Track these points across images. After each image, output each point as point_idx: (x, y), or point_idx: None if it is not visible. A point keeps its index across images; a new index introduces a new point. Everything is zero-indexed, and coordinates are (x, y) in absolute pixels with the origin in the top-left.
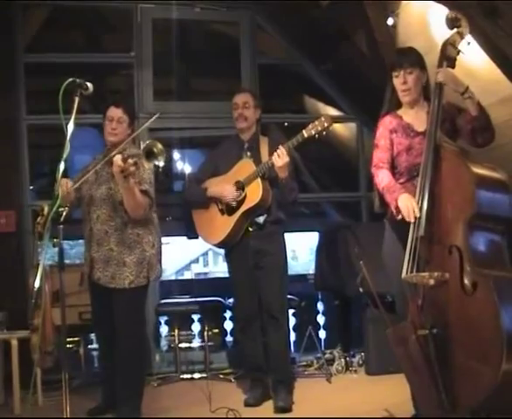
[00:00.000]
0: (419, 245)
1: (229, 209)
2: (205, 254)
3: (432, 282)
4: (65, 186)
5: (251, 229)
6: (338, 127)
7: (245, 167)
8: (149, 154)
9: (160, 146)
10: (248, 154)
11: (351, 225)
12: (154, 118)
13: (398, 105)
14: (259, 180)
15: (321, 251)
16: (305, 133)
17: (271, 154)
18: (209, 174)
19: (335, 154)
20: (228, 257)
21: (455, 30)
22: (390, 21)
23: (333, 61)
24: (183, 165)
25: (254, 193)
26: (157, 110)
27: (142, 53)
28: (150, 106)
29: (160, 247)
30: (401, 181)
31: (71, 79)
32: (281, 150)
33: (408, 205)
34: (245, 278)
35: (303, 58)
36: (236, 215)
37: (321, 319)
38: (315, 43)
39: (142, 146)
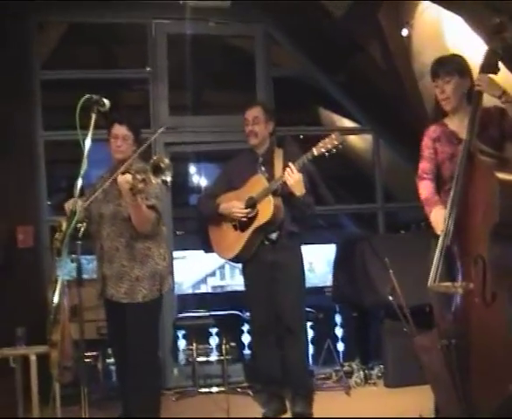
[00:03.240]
0: (447, 255)
1: (242, 225)
2: (222, 267)
3: (460, 291)
4: (78, 203)
5: (267, 243)
6: (354, 139)
7: (258, 183)
8: (157, 170)
9: (167, 161)
10: (262, 168)
11: (368, 237)
12: (160, 130)
13: (444, 113)
14: (270, 197)
15: (339, 263)
16: (315, 151)
17: (285, 167)
18: (223, 188)
19: (351, 165)
20: (244, 271)
21: (498, 35)
22: (404, 32)
23: (347, 72)
24: (199, 179)
25: (266, 210)
26: (173, 124)
27: (157, 68)
28: (166, 120)
29: (170, 259)
30: (446, 188)
31: (88, 96)
32: (292, 168)
33: (437, 218)
34: (261, 292)
35: (317, 70)
36: (248, 231)
37: (338, 332)
38: (329, 54)
39: (150, 161)
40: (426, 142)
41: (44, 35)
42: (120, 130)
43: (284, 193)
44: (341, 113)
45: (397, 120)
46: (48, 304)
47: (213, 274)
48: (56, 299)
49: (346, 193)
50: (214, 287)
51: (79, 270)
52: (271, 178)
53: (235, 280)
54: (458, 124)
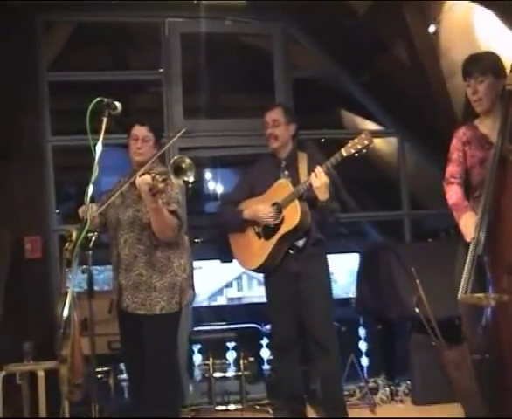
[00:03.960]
0: (478, 265)
1: (266, 233)
2: (239, 278)
3: (492, 303)
4: (90, 211)
5: (291, 251)
6: (378, 142)
7: (283, 187)
8: (178, 170)
9: (188, 160)
10: (285, 172)
11: (394, 246)
12: (181, 132)
13: (475, 114)
14: (296, 202)
15: (362, 274)
16: (344, 152)
17: (310, 172)
18: (245, 194)
19: (375, 170)
20: (266, 281)
21: None
22: (431, 28)
23: (371, 73)
24: (215, 185)
25: (292, 216)
26: (187, 129)
27: (171, 70)
28: (180, 124)
29: (191, 271)
30: (475, 195)
31: (98, 99)
32: (319, 170)
33: (467, 225)
34: (284, 304)
35: (339, 71)
36: (273, 239)
37: (362, 346)
38: (352, 54)
39: (170, 162)
40: (456, 144)
41: (51, 35)
42: (140, 131)
43: (309, 197)
44: (364, 116)
45: (423, 121)
46: (57, 317)
47: (230, 285)
48: (65, 313)
49: (369, 199)
50: (231, 299)
51: (90, 281)
52: (296, 182)
53: (253, 291)
54: (490, 127)
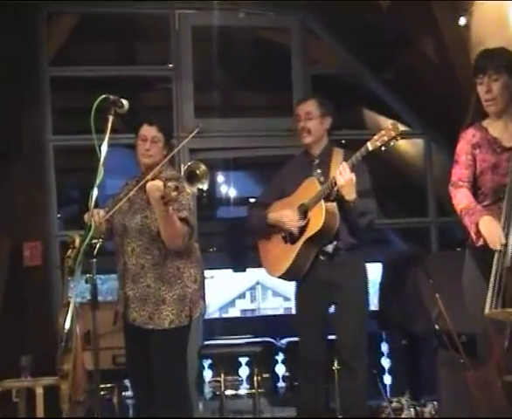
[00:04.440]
0: (506, 277)
1: (292, 237)
2: (253, 288)
3: None
4: (96, 216)
5: (322, 257)
6: (403, 144)
7: (310, 187)
8: (191, 177)
9: (203, 167)
10: (318, 171)
11: (419, 255)
12: (195, 132)
13: (485, 115)
14: (322, 203)
15: (386, 285)
16: (369, 146)
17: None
18: (275, 196)
19: (399, 174)
20: (296, 290)
21: None
22: (461, 21)
23: (395, 69)
24: (228, 189)
25: (317, 218)
26: (200, 127)
27: (181, 65)
28: (191, 123)
29: (203, 281)
30: (485, 203)
31: (104, 96)
32: (343, 166)
33: (492, 230)
34: (313, 316)
35: (362, 67)
36: (298, 243)
37: (385, 362)
38: (375, 49)
39: (183, 168)
40: (464, 146)
41: (53, 27)
42: (149, 131)
43: (338, 198)
44: (388, 115)
45: (452, 122)
46: (58, 329)
47: (243, 296)
48: (67, 325)
49: (393, 205)
50: (244, 311)
51: (94, 291)
52: (326, 182)
53: (267, 303)
54: (501, 130)
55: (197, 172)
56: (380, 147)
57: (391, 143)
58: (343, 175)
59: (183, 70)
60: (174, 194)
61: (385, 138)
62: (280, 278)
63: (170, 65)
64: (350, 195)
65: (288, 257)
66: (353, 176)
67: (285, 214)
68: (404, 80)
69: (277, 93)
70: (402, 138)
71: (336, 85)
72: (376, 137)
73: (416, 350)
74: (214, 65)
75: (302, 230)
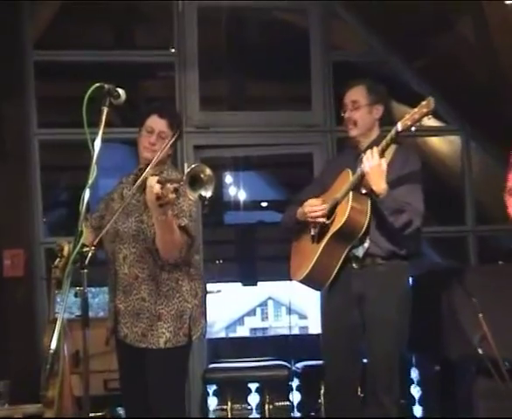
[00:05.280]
0: None
1: (319, 235)
2: (264, 304)
3: None
4: (90, 220)
5: (354, 266)
6: (436, 142)
7: (343, 180)
8: (194, 181)
9: (209, 171)
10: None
11: (456, 269)
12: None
13: None
14: (350, 195)
15: (416, 302)
16: (399, 126)
17: (390, 164)
18: (314, 193)
19: (432, 176)
20: (322, 303)
21: None
22: (508, 1)
23: (429, 56)
24: (237, 191)
25: (342, 213)
26: (205, 122)
27: (185, 50)
28: (196, 116)
29: (204, 296)
30: None
31: (97, 85)
32: (371, 151)
33: None
34: (342, 334)
35: (390, 54)
36: (322, 243)
37: (415, 391)
38: (406, 33)
39: (186, 170)
40: None
41: (39, 4)
42: (158, 124)
43: (369, 191)
44: None
45: (494, 116)
46: (43, 350)
47: (253, 313)
48: (53, 344)
49: (426, 211)
50: (254, 330)
51: (85, 306)
52: None
53: (281, 321)
54: None
55: (202, 176)
56: (410, 126)
57: (424, 119)
58: (369, 160)
59: (187, 56)
60: (172, 196)
61: (416, 116)
62: (301, 283)
63: (173, 50)
64: (378, 185)
65: (311, 258)
66: (382, 163)
67: (309, 203)
68: (439, 69)
69: (294, 83)
70: (437, 135)
71: (360, 73)
72: (407, 116)
73: (451, 377)
74: (222, 51)
75: (329, 226)
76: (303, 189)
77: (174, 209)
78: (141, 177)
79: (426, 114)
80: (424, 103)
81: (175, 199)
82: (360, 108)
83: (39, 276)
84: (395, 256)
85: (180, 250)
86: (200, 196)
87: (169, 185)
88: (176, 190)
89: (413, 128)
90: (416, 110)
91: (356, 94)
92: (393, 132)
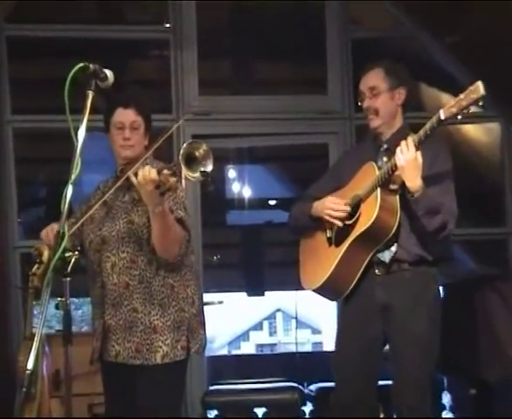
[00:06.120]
0: None
1: (338, 238)
2: (272, 317)
3: None
4: (50, 234)
5: (378, 272)
6: (471, 130)
7: (367, 174)
8: (190, 161)
9: (204, 147)
10: (384, 159)
11: (494, 277)
12: (181, 121)
13: None
14: (378, 191)
15: (447, 315)
16: (442, 115)
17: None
18: (328, 189)
19: (467, 170)
20: (340, 313)
21: None
22: None
23: (463, 32)
24: (241, 187)
25: (369, 211)
26: (204, 108)
27: (182, 26)
28: (195, 102)
29: (202, 304)
30: None
31: (81, 65)
32: (406, 142)
33: None
34: (359, 348)
35: (418, 29)
36: (343, 246)
37: (448, 417)
38: (436, 6)
39: (179, 152)
40: None
41: None
42: (125, 116)
43: (400, 188)
44: (453, 93)
45: None
46: (18, 370)
47: (259, 327)
48: (30, 364)
49: (459, 211)
50: (260, 346)
51: (67, 320)
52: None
53: (291, 336)
54: None
55: (197, 154)
56: (456, 114)
57: (470, 108)
58: (405, 153)
59: (184, 32)
60: (172, 180)
61: (463, 103)
62: (315, 292)
63: (168, 26)
64: (413, 180)
65: (330, 264)
66: (418, 156)
67: (328, 199)
68: (475, 47)
69: (307, 63)
70: (473, 122)
71: (384, 52)
72: (452, 103)
73: (488, 402)
74: (224, 28)
75: (351, 228)
76: (314, 184)
77: (170, 201)
78: (125, 176)
79: (476, 101)
80: (471, 88)
81: (176, 183)
82: (380, 95)
83: (14, 284)
84: (422, 261)
85: (179, 245)
86: (202, 173)
87: (165, 171)
88: (174, 174)
89: (459, 117)
90: (462, 96)
91: (374, 79)
92: (434, 120)
